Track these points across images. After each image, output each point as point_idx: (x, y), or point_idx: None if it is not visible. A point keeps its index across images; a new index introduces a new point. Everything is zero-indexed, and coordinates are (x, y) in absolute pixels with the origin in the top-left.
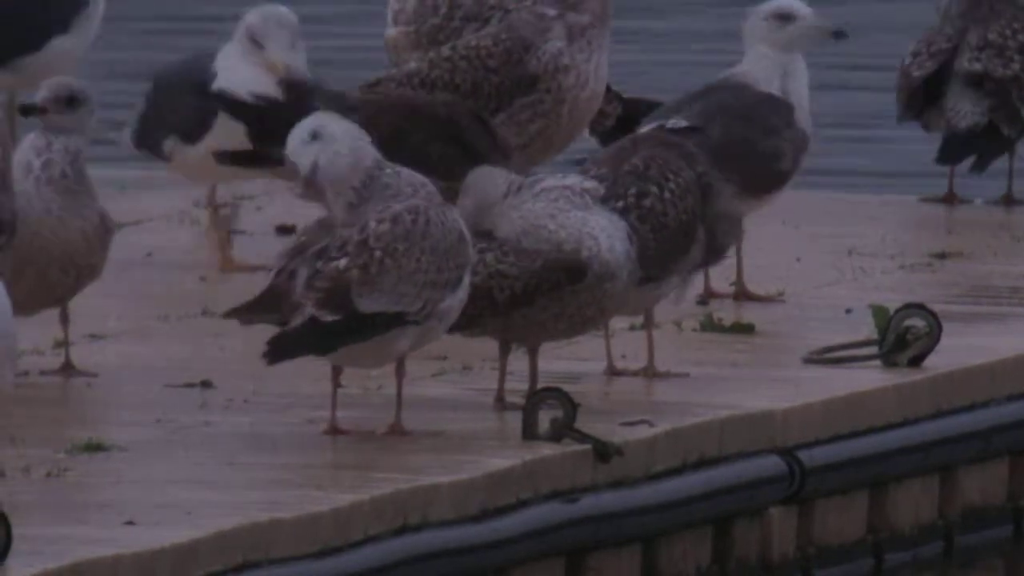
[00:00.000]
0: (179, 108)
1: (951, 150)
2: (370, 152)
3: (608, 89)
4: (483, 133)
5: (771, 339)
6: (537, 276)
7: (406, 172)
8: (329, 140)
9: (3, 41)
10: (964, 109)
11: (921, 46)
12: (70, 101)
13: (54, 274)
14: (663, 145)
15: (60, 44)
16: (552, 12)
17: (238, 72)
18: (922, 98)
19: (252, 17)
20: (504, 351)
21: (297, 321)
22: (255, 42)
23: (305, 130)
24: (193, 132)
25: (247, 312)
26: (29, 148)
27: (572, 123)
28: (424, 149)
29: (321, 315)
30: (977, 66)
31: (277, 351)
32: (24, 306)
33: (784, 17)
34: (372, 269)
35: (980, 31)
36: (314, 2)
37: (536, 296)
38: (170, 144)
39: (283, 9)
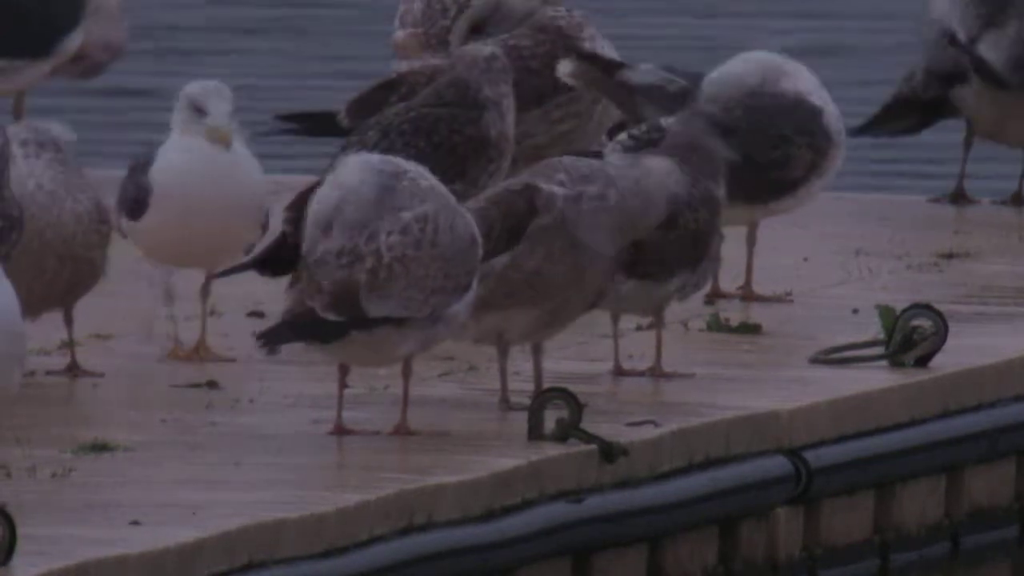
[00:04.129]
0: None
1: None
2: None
3: None
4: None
5: (778, 339)
6: (498, 203)
7: (421, 175)
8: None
9: (45, 28)
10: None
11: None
12: None
13: (50, 264)
14: (673, 155)
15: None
16: (580, 13)
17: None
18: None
19: (192, 86)
20: (502, 352)
21: (297, 311)
22: (198, 109)
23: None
24: (134, 210)
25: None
26: (13, 138)
27: (598, 126)
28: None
29: (327, 316)
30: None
31: (274, 338)
32: (25, 305)
33: None
34: (381, 274)
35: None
36: None
37: (503, 228)
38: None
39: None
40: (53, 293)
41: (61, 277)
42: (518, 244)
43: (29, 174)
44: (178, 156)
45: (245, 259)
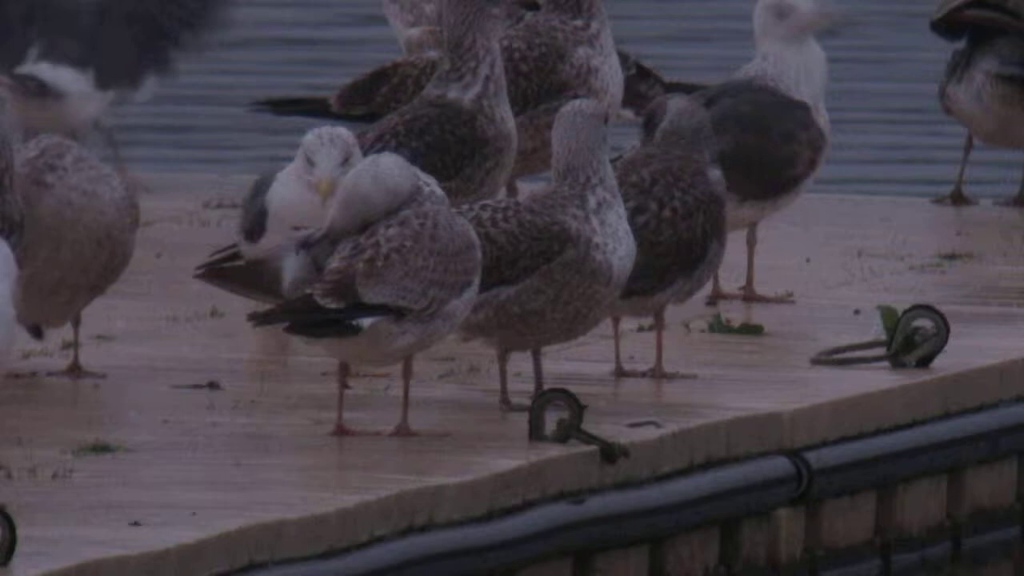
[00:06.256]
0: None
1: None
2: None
3: (648, 73)
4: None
5: (780, 340)
6: (527, 238)
7: (425, 181)
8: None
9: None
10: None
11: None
12: None
13: (89, 248)
14: (681, 158)
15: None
16: (579, 22)
17: (286, 190)
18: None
19: (308, 136)
20: (501, 354)
21: (295, 298)
22: (308, 160)
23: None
24: (253, 233)
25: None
26: (44, 149)
27: None
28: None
29: (325, 303)
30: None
31: (267, 318)
32: (54, 304)
33: (780, 12)
34: (378, 262)
35: None
36: None
37: (520, 260)
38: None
39: (340, 129)
40: (85, 282)
41: (98, 261)
42: (528, 279)
43: (71, 187)
44: (294, 185)
45: (226, 248)
